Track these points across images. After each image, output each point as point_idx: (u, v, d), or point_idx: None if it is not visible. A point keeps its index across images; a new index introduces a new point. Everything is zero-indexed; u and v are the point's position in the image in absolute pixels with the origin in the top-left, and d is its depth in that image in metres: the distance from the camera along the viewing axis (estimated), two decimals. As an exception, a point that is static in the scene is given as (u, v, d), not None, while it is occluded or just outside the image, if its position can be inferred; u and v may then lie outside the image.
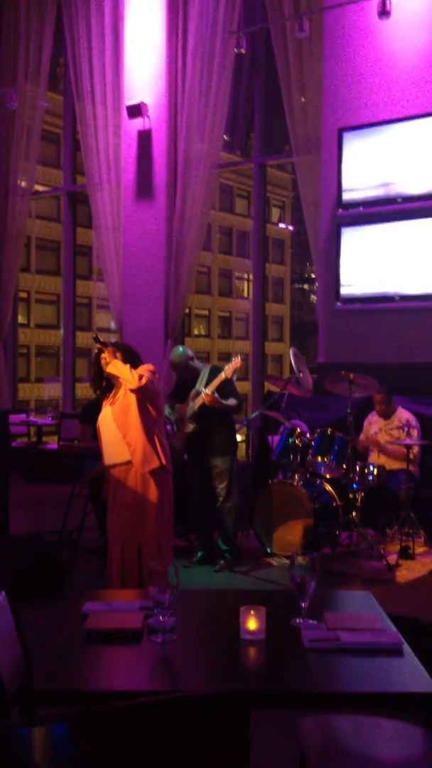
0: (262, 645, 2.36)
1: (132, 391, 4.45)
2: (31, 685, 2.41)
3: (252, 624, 2.38)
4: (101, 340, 4.55)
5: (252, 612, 2.39)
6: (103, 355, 4.51)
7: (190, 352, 5.79)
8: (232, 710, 1.73)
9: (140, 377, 4.43)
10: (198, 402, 5.59)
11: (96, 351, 4.58)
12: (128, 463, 4.48)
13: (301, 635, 2.35)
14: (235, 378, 5.68)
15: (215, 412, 5.59)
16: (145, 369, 4.53)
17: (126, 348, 4.68)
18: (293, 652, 2.31)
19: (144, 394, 4.47)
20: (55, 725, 1.33)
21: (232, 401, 5.60)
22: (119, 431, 4.47)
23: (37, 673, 2.46)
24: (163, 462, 4.52)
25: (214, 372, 5.67)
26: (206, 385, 5.58)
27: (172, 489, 4.69)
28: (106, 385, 4.60)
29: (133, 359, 4.59)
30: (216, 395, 5.47)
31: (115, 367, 4.47)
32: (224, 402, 5.53)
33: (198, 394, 5.62)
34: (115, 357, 4.51)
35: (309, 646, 2.30)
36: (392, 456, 6.19)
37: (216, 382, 5.51)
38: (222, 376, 5.51)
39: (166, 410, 5.93)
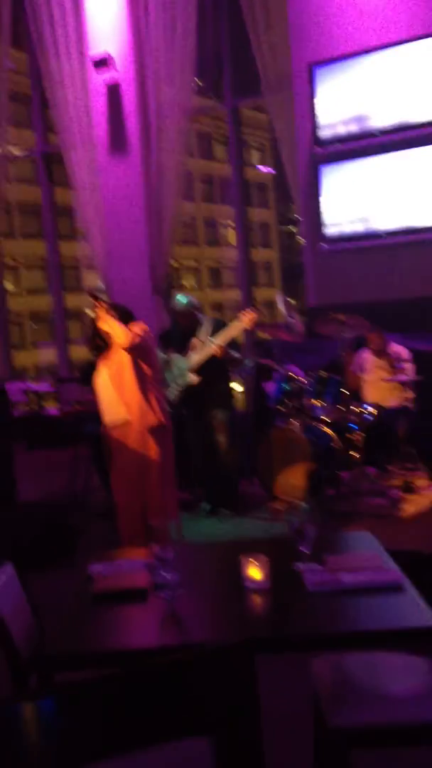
0: (266, 592, 2.41)
1: (123, 348, 4.46)
2: (44, 650, 2.46)
3: (254, 572, 2.42)
4: (97, 295, 4.57)
5: (253, 561, 2.43)
6: (97, 311, 4.52)
7: (195, 302, 5.78)
8: (240, 658, 1.77)
9: (132, 335, 4.44)
10: (205, 353, 5.57)
11: (92, 310, 4.59)
12: (127, 422, 4.51)
13: (304, 579, 2.40)
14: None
15: (216, 364, 5.59)
16: (137, 327, 4.55)
17: (120, 307, 4.69)
18: (297, 597, 2.35)
19: (136, 352, 4.49)
20: (47, 698, 1.36)
21: (236, 354, 5.65)
22: (115, 390, 4.51)
23: (51, 637, 2.50)
24: (161, 418, 4.55)
25: (217, 324, 5.68)
26: (210, 337, 5.60)
27: (173, 445, 4.73)
28: (102, 344, 4.61)
29: (126, 318, 4.60)
30: (225, 347, 5.49)
31: (108, 324, 4.48)
32: (231, 355, 5.55)
33: (202, 345, 5.63)
34: (110, 314, 4.52)
35: (312, 589, 2.34)
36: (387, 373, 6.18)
37: (231, 332, 5.51)
38: (240, 326, 5.51)
39: (161, 356, 5.97)
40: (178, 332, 5.87)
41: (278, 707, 2.98)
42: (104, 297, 4.67)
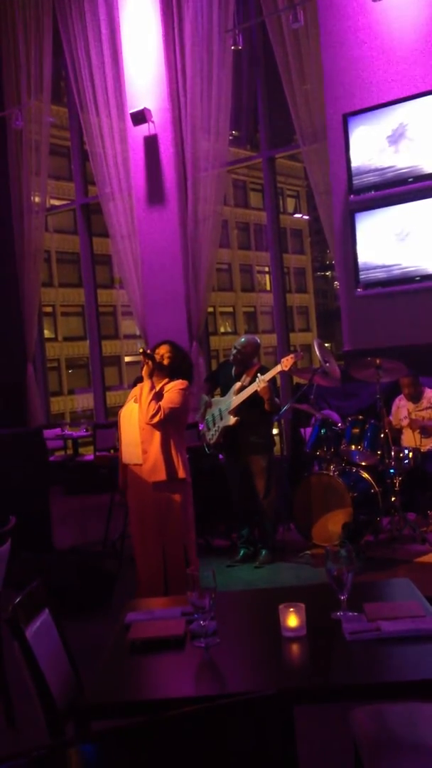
0: (304, 641, 2.37)
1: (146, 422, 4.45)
2: (81, 699, 2.45)
3: (292, 621, 2.39)
4: (148, 353, 4.54)
5: (291, 609, 2.40)
6: (152, 358, 4.52)
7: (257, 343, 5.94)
8: (277, 709, 1.74)
9: (155, 413, 4.37)
10: (248, 392, 5.61)
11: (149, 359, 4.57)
12: (141, 465, 4.47)
13: (342, 628, 2.36)
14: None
15: (257, 410, 5.62)
16: (175, 390, 4.48)
17: (177, 355, 4.63)
18: (335, 646, 2.32)
19: (155, 426, 4.44)
20: (87, 744, 1.36)
21: (277, 399, 5.70)
22: (140, 434, 4.46)
23: (88, 685, 2.49)
24: (179, 475, 4.44)
25: (261, 370, 5.75)
26: (250, 383, 5.66)
27: (190, 495, 4.60)
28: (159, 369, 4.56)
29: (178, 369, 4.58)
30: (269, 386, 5.54)
31: (141, 389, 4.49)
32: (273, 396, 5.59)
33: (242, 388, 5.69)
34: (161, 363, 4.53)
35: (351, 638, 2.30)
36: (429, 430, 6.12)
37: (273, 372, 5.60)
38: (278, 368, 5.58)
39: (203, 398, 6.01)
40: (226, 375, 5.94)
41: (318, 758, 2.92)
42: (154, 357, 4.60)
